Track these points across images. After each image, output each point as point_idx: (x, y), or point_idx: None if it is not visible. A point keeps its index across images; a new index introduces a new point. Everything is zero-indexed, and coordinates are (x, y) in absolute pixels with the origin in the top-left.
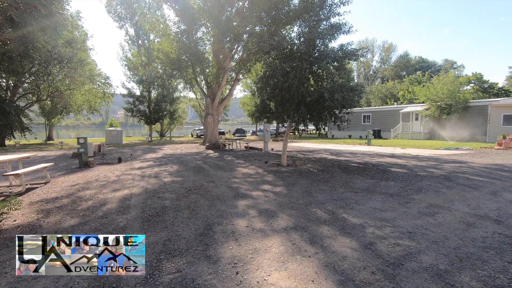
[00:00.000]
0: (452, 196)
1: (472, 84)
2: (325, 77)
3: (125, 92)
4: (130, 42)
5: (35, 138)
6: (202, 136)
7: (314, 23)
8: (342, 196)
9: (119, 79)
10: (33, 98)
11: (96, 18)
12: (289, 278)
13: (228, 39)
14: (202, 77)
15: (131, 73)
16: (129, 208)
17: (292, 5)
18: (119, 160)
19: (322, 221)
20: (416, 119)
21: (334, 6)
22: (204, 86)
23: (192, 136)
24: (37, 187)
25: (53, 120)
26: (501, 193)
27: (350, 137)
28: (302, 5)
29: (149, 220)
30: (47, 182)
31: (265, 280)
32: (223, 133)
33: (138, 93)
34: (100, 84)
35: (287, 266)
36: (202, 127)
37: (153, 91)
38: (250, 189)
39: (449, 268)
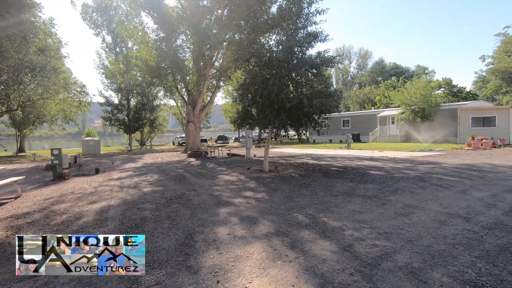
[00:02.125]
0: (426, 196)
1: (443, 89)
2: (304, 83)
3: (102, 100)
4: (107, 49)
5: (5, 150)
6: (184, 144)
7: (292, 31)
8: (322, 200)
9: (96, 88)
10: (3, 109)
11: (72, 25)
12: (270, 284)
13: (208, 46)
14: (182, 84)
15: (109, 81)
16: (107, 220)
17: (270, 14)
18: (97, 171)
19: (303, 226)
20: (393, 122)
21: (311, 15)
22: (185, 94)
23: (173, 144)
24: (7, 202)
25: (24, 131)
26: (470, 192)
27: (330, 141)
28: (279, 13)
29: (127, 232)
30: (18, 197)
31: (246, 287)
32: (205, 141)
33: (116, 101)
34: (75, 93)
35: (268, 272)
36: (183, 135)
37: (132, 99)
38: (232, 196)
39: (422, 266)
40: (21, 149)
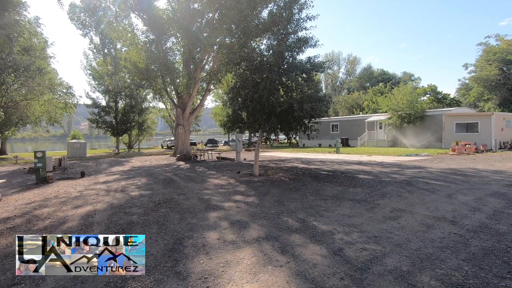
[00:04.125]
0: (413, 200)
1: (428, 95)
2: (294, 88)
3: (89, 102)
4: (95, 50)
5: None
6: (173, 147)
7: (283, 36)
8: (312, 204)
9: (83, 89)
10: None
11: (59, 25)
12: None
13: (198, 49)
14: (172, 87)
15: (96, 82)
16: (92, 225)
17: (261, 18)
18: (82, 175)
19: (293, 230)
20: (380, 127)
21: (301, 21)
22: (175, 96)
23: (162, 147)
24: None
25: (6, 132)
26: (455, 196)
27: (320, 145)
28: (270, 18)
29: None
30: None
31: None
32: (194, 144)
33: (103, 103)
34: (61, 94)
35: (258, 277)
36: (172, 138)
37: (120, 101)
38: (222, 201)
39: (411, 269)
40: (2, 151)
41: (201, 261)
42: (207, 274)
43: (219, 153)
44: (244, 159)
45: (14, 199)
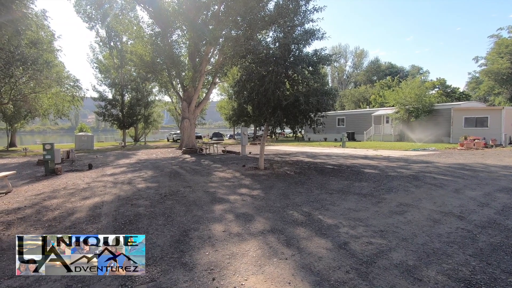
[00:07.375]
0: (420, 195)
1: (437, 89)
2: (300, 81)
3: (96, 95)
4: (101, 43)
5: None
6: (179, 141)
7: (289, 28)
8: (318, 197)
9: (90, 82)
10: None
11: (65, 18)
12: (266, 281)
13: (204, 42)
14: (177, 80)
15: (103, 75)
16: (100, 216)
17: (267, 11)
18: (90, 167)
19: (299, 223)
20: (387, 122)
21: (308, 12)
22: (180, 90)
23: (168, 140)
24: None
25: (16, 125)
26: (463, 191)
27: (325, 139)
28: (277, 10)
29: (121, 229)
30: (9, 192)
31: (242, 285)
32: (200, 137)
33: (110, 96)
34: (68, 87)
35: (264, 269)
36: (178, 131)
37: (126, 94)
38: (227, 193)
39: (417, 264)
40: (12, 144)
41: (207, 253)
42: (213, 266)
43: (224, 147)
44: (250, 153)
45: (24, 190)
